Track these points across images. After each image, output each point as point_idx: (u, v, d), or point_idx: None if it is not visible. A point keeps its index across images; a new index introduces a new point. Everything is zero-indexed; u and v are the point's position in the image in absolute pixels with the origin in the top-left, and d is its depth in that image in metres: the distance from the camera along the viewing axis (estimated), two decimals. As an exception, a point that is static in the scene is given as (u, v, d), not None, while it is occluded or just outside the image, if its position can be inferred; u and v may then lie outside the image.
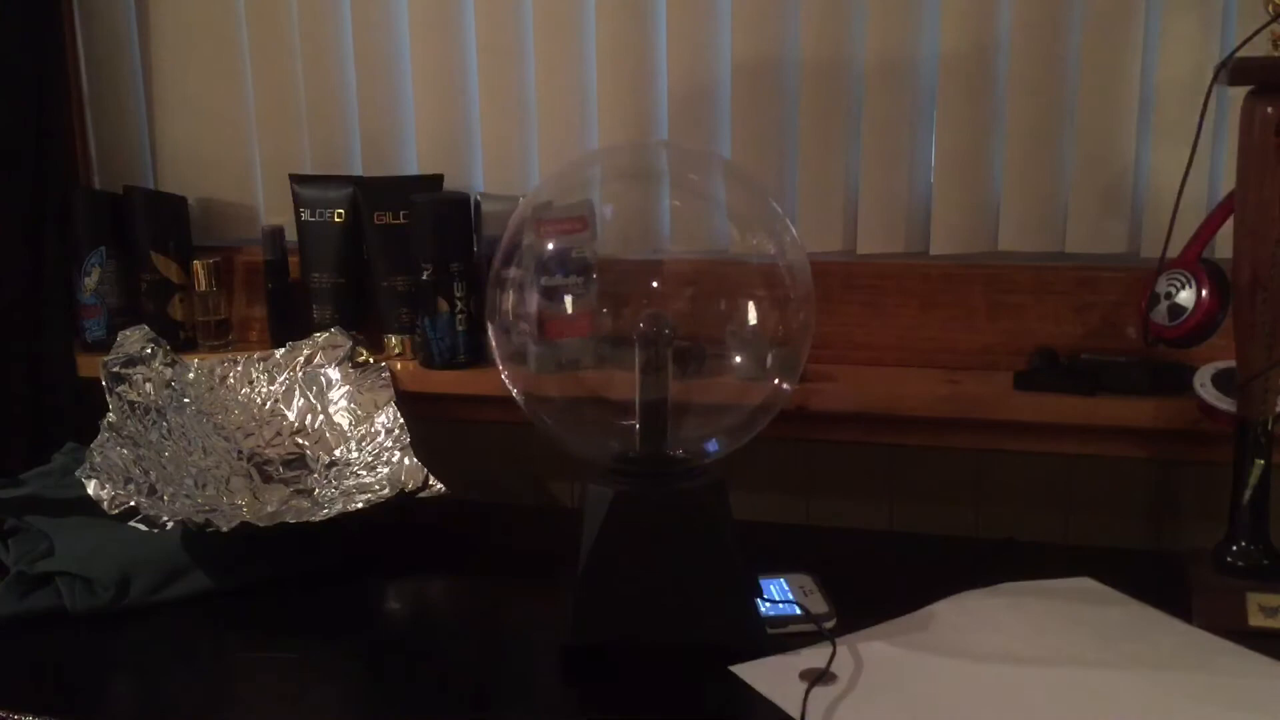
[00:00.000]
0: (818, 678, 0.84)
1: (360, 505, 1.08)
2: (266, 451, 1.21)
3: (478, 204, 1.26)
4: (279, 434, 1.23)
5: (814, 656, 0.87)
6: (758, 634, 0.90)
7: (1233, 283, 0.97)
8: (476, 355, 1.26)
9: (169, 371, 1.22)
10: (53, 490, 1.15)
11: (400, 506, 1.11)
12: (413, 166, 1.35)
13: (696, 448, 0.93)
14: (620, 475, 0.91)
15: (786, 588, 0.99)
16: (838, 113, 1.20)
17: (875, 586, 1.02)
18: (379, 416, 1.22)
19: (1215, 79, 0.95)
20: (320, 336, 1.29)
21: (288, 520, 1.04)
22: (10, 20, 1.30)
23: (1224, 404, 0.99)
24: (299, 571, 1.06)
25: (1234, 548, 0.98)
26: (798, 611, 0.94)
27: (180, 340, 1.36)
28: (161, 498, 1.08)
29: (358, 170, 1.36)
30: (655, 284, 0.98)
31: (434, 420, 1.25)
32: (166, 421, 1.18)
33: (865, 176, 1.21)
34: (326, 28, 1.34)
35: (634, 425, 0.91)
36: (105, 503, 1.03)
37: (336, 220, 1.31)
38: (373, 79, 1.34)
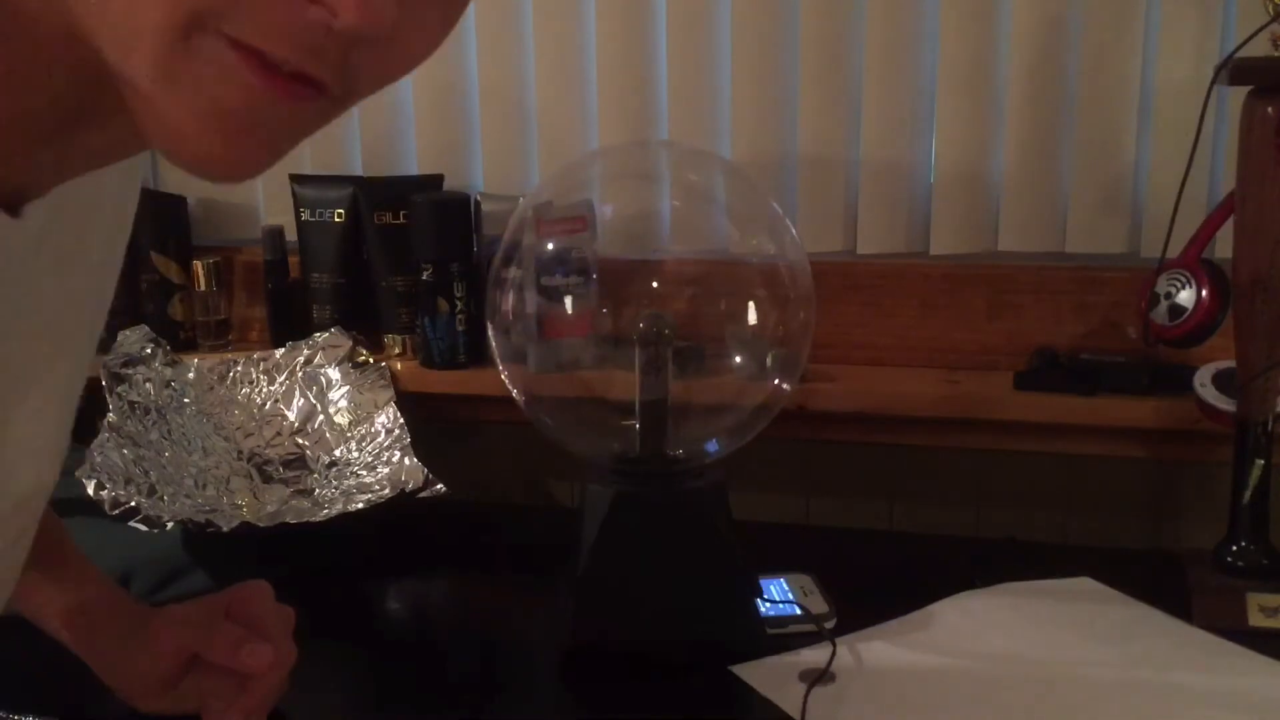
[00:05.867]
0: (818, 678, 0.84)
1: (360, 505, 1.08)
2: (266, 451, 1.21)
3: (478, 204, 1.25)
4: (279, 434, 1.23)
5: (814, 656, 0.87)
6: (758, 634, 0.90)
7: (1233, 283, 0.97)
8: (476, 355, 1.26)
9: (169, 371, 1.22)
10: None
11: (400, 506, 1.11)
12: (413, 166, 1.34)
13: (697, 448, 0.93)
14: (620, 475, 0.91)
15: (786, 588, 0.98)
16: (838, 112, 1.20)
17: (875, 586, 1.02)
18: (379, 416, 1.22)
19: (1215, 79, 0.95)
20: (320, 336, 1.29)
21: (288, 520, 1.04)
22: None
23: (1224, 404, 0.99)
24: (300, 571, 1.06)
25: (1234, 548, 0.98)
26: (798, 611, 0.94)
27: (180, 340, 1.35)
28: (161, 498, 1.08)
29: (358, 170, 1.36)
30: (655, 284, 0.98)
31: (434, 420, 1.25)
32: (166, 421, 1.18)
33: (865, 176, 1.21)
34: (326, 28, 1.34)
35: (634, 425, 0.91)
36: (105, 503, 1.03)
37: (336, 220, 1.31)
38: (373, 79, 1.33)
